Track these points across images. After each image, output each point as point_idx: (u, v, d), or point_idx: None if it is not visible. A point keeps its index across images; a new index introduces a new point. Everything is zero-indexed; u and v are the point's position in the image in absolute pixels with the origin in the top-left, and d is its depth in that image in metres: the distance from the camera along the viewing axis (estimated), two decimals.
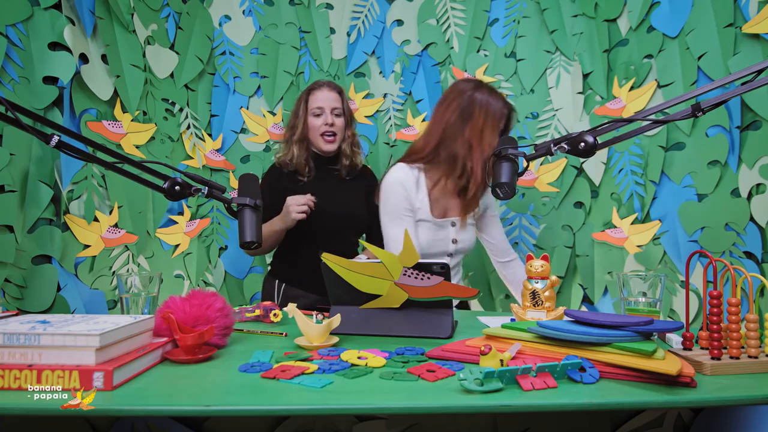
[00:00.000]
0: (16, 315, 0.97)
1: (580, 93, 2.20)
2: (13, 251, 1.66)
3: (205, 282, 2.18)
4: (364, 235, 1.95)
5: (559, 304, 1.10)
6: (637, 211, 2.09)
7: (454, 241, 1.65)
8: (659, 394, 0.75)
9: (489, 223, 1.78)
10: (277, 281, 1.83)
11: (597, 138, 1.08)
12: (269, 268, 1.90)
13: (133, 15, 2.02)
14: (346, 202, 1.83)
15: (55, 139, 0.95)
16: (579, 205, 2.17)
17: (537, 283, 1.08)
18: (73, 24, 1.85)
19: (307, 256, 1.76)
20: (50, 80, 1.79)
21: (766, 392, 0.77)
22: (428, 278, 1.09)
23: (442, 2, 2.33)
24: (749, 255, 1.90)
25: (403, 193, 1.58)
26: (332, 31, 2.35)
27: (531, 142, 2.21)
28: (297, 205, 1.69)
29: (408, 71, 2.36)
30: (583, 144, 1.07)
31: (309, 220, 1.73)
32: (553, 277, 1.08)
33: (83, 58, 1.88)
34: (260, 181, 1.81)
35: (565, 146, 1.10)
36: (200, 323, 0.99)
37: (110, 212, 1.95)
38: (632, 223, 2.08)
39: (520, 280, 1.69)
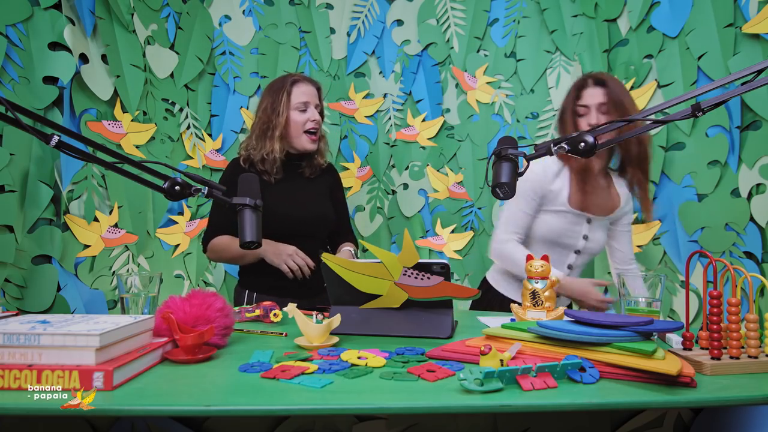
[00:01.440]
0: (16, 315, 0.97)
1: None
2: (13, 251, 1.66)
3: (205, 282, 2.18)
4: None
5: (560, 304, 1.10)
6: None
7: (585, 237, 1.63)
8: (659, 394, 0.75)
9: (622, 231, 1.74)
10: (247, 291, 1.71)
11: (597, 138, 1.08)
12: (238, 278, 1.79)
13: (133, 15, 2.02)
14: (313, 202, 1.73)
15: (55, 139, 0.95)
16: None
17: (537, 283, 1.08)
18: (73, 24, 1.85)
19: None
20: (50, 80, 1.79)
21: (766, 392, 0.77)
22: (428, 278, 1.09)
23: (442, 2, 2.33)
24: (749, 255, 1.90)
25: (539, 177, 1.60)
26: (332, 31, 2.35)
27: (531, 142, 2.21)
28: (292, 260, 1.58)
29: (408, 71, 2.36)
30: (583, 144, 1.07)
31: (276, 225, 1.62)
32: (553, 278, 1.08)
33: (83, 58, 1.88)
34: (219, 180, 1.72)
35: (565, 146, 1.10)
36: (200, 323, 0.99)
37: (110, 212, 1.95)
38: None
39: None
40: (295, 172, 1.73)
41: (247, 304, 1.68)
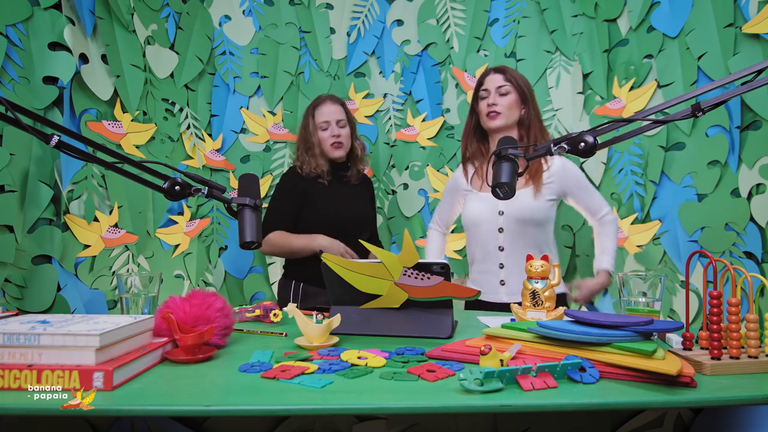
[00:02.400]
0: (16, 315, 0.97)
1: (580, 93, 2.20)
2: (13, 251, 1.66)
3: (205, 282, 2.18)
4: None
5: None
6: (637, 211, 2.09)
7: (501, 213, 1.69)
8: (659, 394, 0.75)
9: (575, 194, 1.74)
10: (293, 282, 1.90)
11: (597, 138, 1.08)
12: (284, 271, 1.98)
13: (133, 15, 2.02)
14: (357, 204, 1.96)
15: (55, 139, 0.95)
16: None
17: (537, 283, 1.08)
18: (73, 24, 1.85)
19: None
20: (50, 80, 1.79)
21: (766, 392, 0.77)
22: (428, 278, 1.09)
23: (442, 2, 2.33)
24: (749, 255, 1.90)
25: (450, 182, 1.90)
26: (332, 31, 2.35)
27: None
28: (347, 256, 1.80)
29: (408, 71, 2.36)
30: (583, 144, 1.07)
31: (326, 222, 1.87)
32: (554, 281, 1.08)
33: (83, 58, 1.88)
34: (277, 184, 1.96)
35: (565, 146, 1.10)
36: (200, 323, 0.99)
37: (110, 212, 1.95)
38: (632, 223, 2.08)
39: (600, 246, 1.75)
40: (342, 179, 1.97)
41: (293, 296, 1.90)
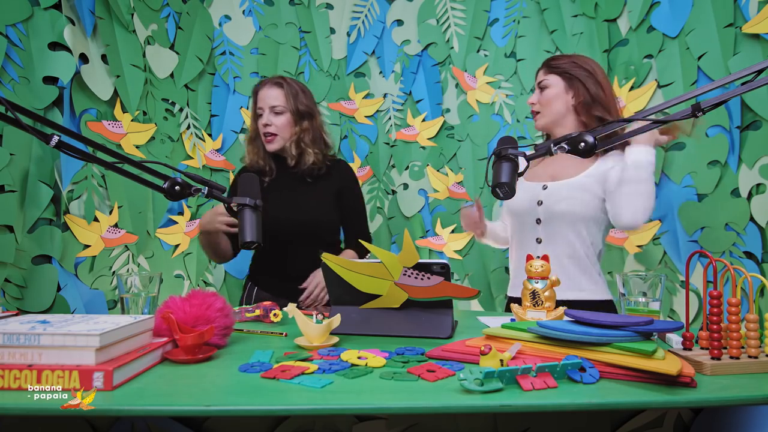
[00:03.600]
0: (16, 315, 0.97)
1: None
2: (13, 251, 1.66)
3: (205, 282, 2.18)
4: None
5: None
6: None
7: (539, 203, 1.56)
8: (659, 394, 0.75)
9: (608, 200, 1.50)
10: (250, 284, 1.78)
11: (597, 138, 1.08)
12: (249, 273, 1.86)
13: (133, 15, 2.02)
14: (305, 206, 1.69)
15: (55, 139, 0.95)
16: None
17: (537, 283, 1.08)
18: (73, 24, 1.85)
19: (271, 262, 1.71)
20: (50, 80, 1.79)
21: (766, 392, 0.77)
22: (428, 278, 1.09)
23: (442, 2, 2.33)
24: (749, 255, 1.90)
25: None
26: (332, 31, 2.35)
27: (531, 142, 2.21)
28: (220, 219, 1.53)
29: (408, 71, 2.36)
30: (583, 144, 1.07)
31: (269, 226, 1.59)
32: (553, 277, 1.08)
33: (83, 58, 1.88)
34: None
35: (565, 146, 1.10)
36: (200, 323, 0.99)
37: (110, 212, 1.95)
38: None
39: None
40: (290, 175, 1.72)
41: (246, 298, 1.76)
